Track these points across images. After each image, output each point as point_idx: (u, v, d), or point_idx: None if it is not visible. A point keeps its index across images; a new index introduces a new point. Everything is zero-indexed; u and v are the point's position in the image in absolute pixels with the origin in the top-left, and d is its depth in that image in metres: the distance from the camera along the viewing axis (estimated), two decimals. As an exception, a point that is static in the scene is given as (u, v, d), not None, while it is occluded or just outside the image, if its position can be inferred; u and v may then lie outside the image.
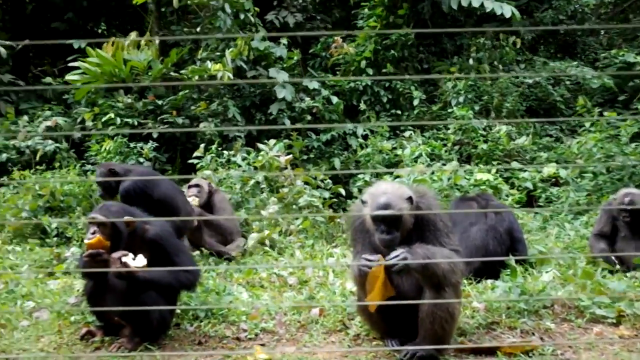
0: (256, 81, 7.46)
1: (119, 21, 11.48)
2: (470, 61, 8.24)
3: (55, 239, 5.31)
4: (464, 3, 7.73)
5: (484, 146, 6.76)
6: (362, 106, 7.61)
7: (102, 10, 10.94)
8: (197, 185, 4.89)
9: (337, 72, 8.28)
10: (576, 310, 3.16)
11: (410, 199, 2.68)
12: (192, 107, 7.39)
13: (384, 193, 2.68)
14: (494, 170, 6.31)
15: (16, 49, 8.94)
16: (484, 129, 6.98)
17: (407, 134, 7.15)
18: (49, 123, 7.75)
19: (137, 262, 2.70)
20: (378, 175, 6.21)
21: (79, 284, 3.59)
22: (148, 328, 2.78)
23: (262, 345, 2.87)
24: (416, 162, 6.33)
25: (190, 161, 6.65)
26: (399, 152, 6.61)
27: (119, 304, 2.78)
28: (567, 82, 8.22)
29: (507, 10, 7.62)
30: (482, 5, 7.68)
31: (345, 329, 3.08)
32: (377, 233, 2.64)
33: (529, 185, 6.01)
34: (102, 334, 2.91)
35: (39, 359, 2.61)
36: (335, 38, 7.86)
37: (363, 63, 7.94)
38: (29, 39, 9.95)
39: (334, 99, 7.37)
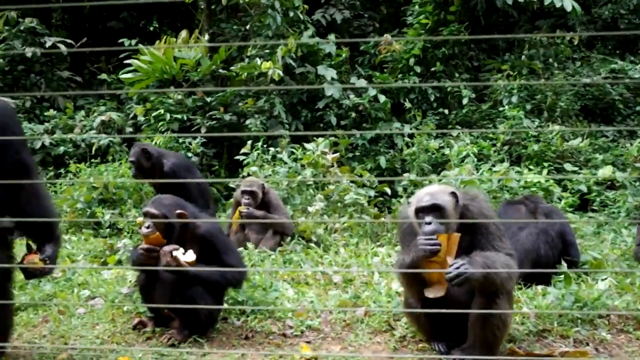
0: (313, 87, 7.49)
1: (170, 19, 11.77)
2: (523, 58, 7.99)
3: (107, 230, 5.51)
4: (521, -1, 7.47)
5: (535, 147, 6.55)
6: (407, 104, 7.51)
7: (154, 9, 11.24)
8: (250, 192, 4.91)
9: (385, 70, 8.20)
10: (635, 322, 3.02)
11: (453, 194, 2.66)
12: (240, 104, 7.49)
13: (428, 192, 2.68)
14: (545, 172, 6.11)
15: (75, 46, 9.30)
16: (536, 129, 6.75)
17: (454, 132, 7.01)
18: (103, 118, 8.03)
19: (187, 257, 2.76)
20: (424, 175, 6.13)
21: (131, 275, 3.71)
22: (196, 321, 2.84)
23: (308, 342, 2.88)
24: (463, 162, 6.20)
25: (236, 157, 6.75)
26: (446, 151, 6.49)
27: (168, 297, 2.86)
28: (627, 80, 7.85)
29: (568, 4, 7.28)
30: (539, -1, 7.41)
31: (390, 329, 3.06)
32: (420, 228, 2.60)
33: (583, 188, 5.78)
34: (153, 324, 2.99)
35: (95, 346, 2.71)
36: (385, 35, 7.79)
37: (412, 61, 7.82)
38: (86, 37, 10.38)
39: (382, 98, 7.30)
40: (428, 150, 6.59)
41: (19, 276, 2.67)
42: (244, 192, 4.95)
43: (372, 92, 7.28)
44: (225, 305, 3.10)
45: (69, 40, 9.60)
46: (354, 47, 8.85)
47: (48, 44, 9.14)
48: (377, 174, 6.86)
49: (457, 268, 2.40)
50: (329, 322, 3.14)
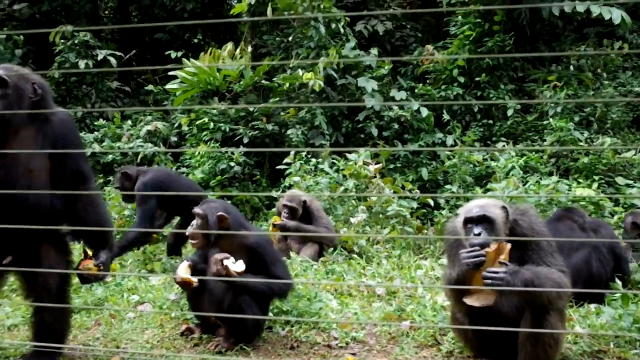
0: (356, 105, 7.51)
1: (214, 32, 12.08)
2: (571, 69, 7.78)
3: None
4: (568, 9, 7.29)
5: (586, 159, 6.34)
6: (446, 117, 7.41)
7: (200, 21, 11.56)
8: (290, 208, 4.96)
9: (427, 81, 8.15)
10: (699, 345, 2.87)
11: (504, 208, 2.60)
12: (282, 114, 7.57)
13: (478, 204, 2.63)
14: (595, 186, 5.91)
15: (125, 59, 9.65)
16: (586, 141, 6.55)
17: (499, 145, 6.88)
18: (149, 127, 8.27)
19: (237, 267, 2.79)
20: (467, 187, 6.03)
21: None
22: (243, 330, 2.87)
23: (354, 354, 2.86)
24: (509, 175, 6.06)
25: (278, 167, 6.82)
26: (491, 164, 6.37)
27: (216, 305, 2.89)
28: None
29: (617, 16, 7.07)
30: (587, 10, 7.22)
31: (437, 344, 3.01)
32: (468, 240, 2.55)
33: (638, 203, 5.55)
34: (200, 331, 3.04)
35: (146, 351, 2.77)
36: (427, 47, 7.75)
37: (455, 72, 7.74)
38: (134, 49, 10.75)
39: (424, 111, 7.23)
40: (470, 162, 6.48)
41: (74, 280, 2.77)
42: (285, 207, 5.04)
43: (415, 105, 7.24)
44: (271, 315, 3.11)
45: (118, 53, 9.97)
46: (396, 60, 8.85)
47: (100, 57, 9.51)
48: (419, 185, 6.80)
49: (495, 274, 2.34)
50: (374, 335, 3.11)
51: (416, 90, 7.79)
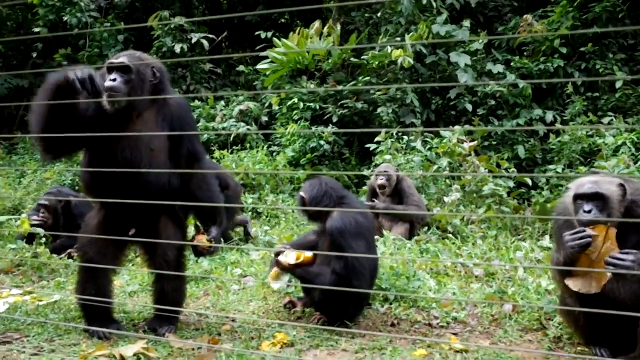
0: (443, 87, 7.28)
1: (300, 10, 12.12)
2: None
3: (250, 214, 5.87)
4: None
5: None
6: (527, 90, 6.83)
7: (286, 1, 11.65)
8: (385, 172, 4.99)
9: (525, 53, 7.69)
10: None
11: (622, 186, 2.41)
12: (372, 93, 7.51)
13: (592, 179, 2.45)
14: None
15: (216, 41, 9.99)
16: None
17: (606, 120, 6.39)
18: (242, 107, 8.55)
19: (288, 258, 2.85)
20: (572, 167, 5.67)
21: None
22: (342, 312, 2.89)
23: (455, 334, 2.83)
24: (618, 152, 5.63)
25: (367, 145, 6.80)
26: (596, 140, 5.93)
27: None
28: None
29: None
30: None
31: (543, 329, 2.90)
32: (577, 215, 2.37)
33: None
34: (302, 304, 3.13)
35: (254, 319, 2.92)
36: (525, 16, 7.28)
37: (557, 42, 7.23)
38: (225, 31, 11.08)
39: (521, 83, 6.86)
40: (577, 140, 6.05)
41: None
42: (379, 174, 5.05)
43: (510, 78, 6.88)
44: (371, 291, 3.10)
45: (210, 36, 10.33)
46: (490, 31, 8.41)
47: (194, 40, 9.92)
48: (515, 164, 6.50)
49: (621, 260, 2.18)
50: (475, 316, 3.05)
51: (512, 64, 7.38)
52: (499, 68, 7.09)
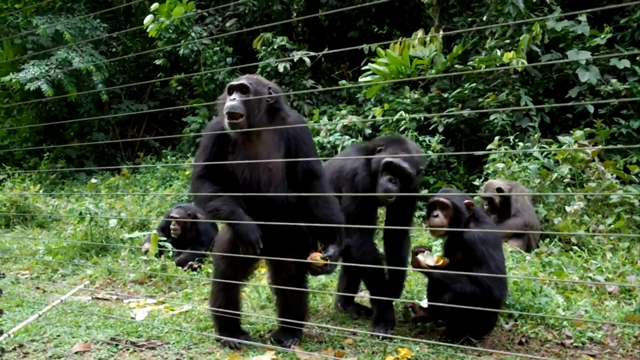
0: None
1: (399, 21, 12.08)
2: None
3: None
4: None
5: None
6: None
7: (385, 13, 11.68)
8: (486, 199, 4.80)
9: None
10: None
11: None
12: (480, 99, 7.25)
13: None
14: None
15: (317, 58, 10.25)
16: None
17: None
18: (345, 121, 8.65)
19: (428, 259, 2.75)
20: None
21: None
22: (473, 326, 2.78)
23: (593, 356, 2.62)
24: None
25: (476, 153, 6.55)
26: None
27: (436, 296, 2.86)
28: None
29: None
30: None
31: (698, 353, 2.60)
32: None
33: None
34: (419, 315, 3.10)
35: (377, 334, 2.91)
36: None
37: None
38: (325, 47, 11.33)
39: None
40: None
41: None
42: (483, 198, 4.88)
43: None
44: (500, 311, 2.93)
45: (311, 52, 10.62)
46: (609, 24, 7.78)
47: (295, 58, 10.26)
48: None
49: None
50: (615, 337, 2.81)
51: (638, 58, 6.75)
52: (624, 63, 6.50)
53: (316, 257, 2.62)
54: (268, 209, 2.60)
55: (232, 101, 2.58)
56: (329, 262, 2.62)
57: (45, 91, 10.39)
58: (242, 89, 2.62)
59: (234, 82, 2.67)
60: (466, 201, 2.85)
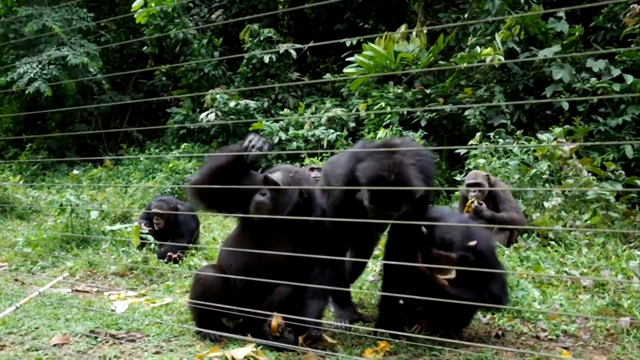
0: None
1: (384, 15, 12.11)
2: None
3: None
4: None
5: None
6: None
7: (370, 7, 11.69)
8: (476, 185, 4.81)
9: (632, 45, 7.14)
10: None
11: None
12: (460, 95, 7.33)
13: None
14: None
15: (302, 50, 10.23)
16: None
17: None
18: (330, 114, 8.67)
19: (446, 275, 2.71)
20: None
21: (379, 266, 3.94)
22: (448, 321, 2.83)
23: (566, 349, 2.69)
24: None
25: (457, 150, 6.61)
26: None
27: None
28: None
29: None
30: None
31: (670, 347, 2.68)
32: None
33: None
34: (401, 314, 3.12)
35: (352, 328, 2.96)
36: (632, 5, 6.75)
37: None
38: (310, 40, 11.31)
39: (628, 78, 6.36)
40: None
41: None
42: (469, 185, 4.87)
43: (615, 72, 6.41)
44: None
45: (297, 45, 10.61)
46: (587, 23, 7.90)
47: (281, 50, 10.23)
48: (622, 165, 6.04)
49: None
50: (588, 330, 2.88)
51: (616, 57, 6.87)
52: (600, 65, 6.61)
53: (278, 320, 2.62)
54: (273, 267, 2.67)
55: (261, 196, 2.63)
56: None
57: (44, 91, 10.19)
58: (275, 185, 2.65)
59: (271, 176, 2.68)
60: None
